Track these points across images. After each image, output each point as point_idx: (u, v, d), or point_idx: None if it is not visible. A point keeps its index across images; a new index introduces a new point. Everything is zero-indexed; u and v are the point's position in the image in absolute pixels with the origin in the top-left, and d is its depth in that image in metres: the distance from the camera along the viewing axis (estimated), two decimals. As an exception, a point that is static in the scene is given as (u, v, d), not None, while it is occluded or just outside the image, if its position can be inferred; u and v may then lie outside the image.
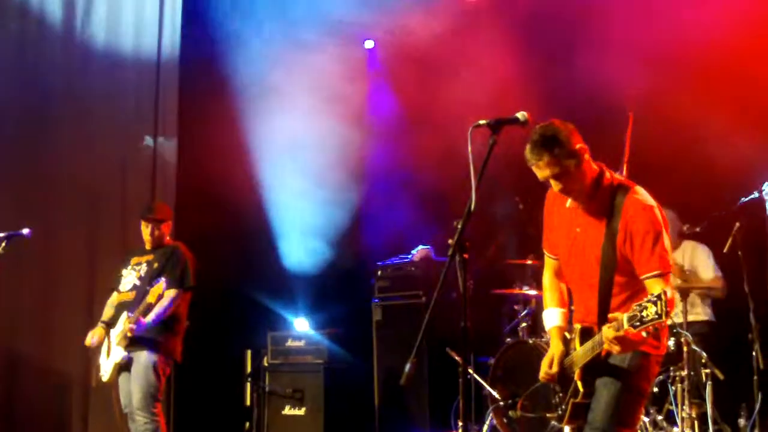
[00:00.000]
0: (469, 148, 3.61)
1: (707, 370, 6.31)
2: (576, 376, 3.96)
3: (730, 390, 6.54)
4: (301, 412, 7.97)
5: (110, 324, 6.55)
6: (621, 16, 7.16)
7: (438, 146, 7.40)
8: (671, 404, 6.37)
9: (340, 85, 8.61)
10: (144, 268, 6.65)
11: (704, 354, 6.35)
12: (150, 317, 6.35)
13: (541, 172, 3.91)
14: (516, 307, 7.49)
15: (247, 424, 8.50)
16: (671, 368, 6.42)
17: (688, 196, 7.11)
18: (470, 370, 6.77)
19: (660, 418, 6.37)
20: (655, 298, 3.51)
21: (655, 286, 3.80)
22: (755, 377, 6.37)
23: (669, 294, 3.71)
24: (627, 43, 6.96)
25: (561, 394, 4.10)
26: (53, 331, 8.27)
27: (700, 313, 7.08)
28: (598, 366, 3.91)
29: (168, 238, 6.82)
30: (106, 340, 6.52)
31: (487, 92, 7.42)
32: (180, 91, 8.65)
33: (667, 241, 3.89)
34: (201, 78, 8.56)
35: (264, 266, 8.83)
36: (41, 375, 8.22)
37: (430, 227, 8.11)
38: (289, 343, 8.29)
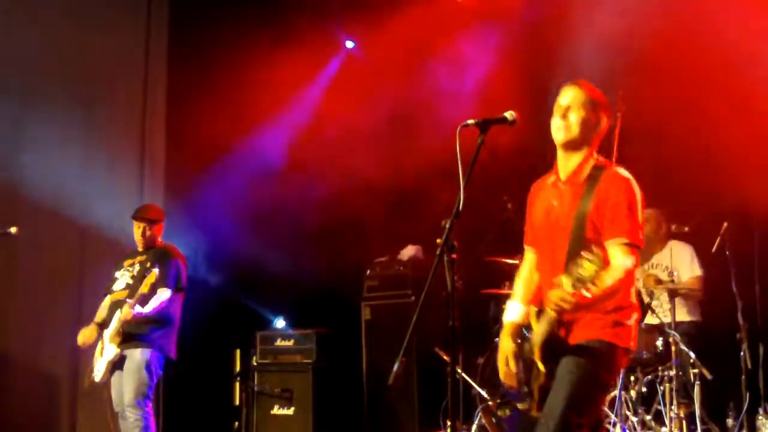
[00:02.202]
0: (458, 148, 3.61)
1: (695, 370, 6.33)
2: (536, 357, 3.80)
3: (718, 390, 6.56)
4: (290, 411, 7.97)
5: (103, 325, 6.57)
6: (609, 13, 7.16)
7: (427, 145, 7.39)
8: (660, 404, 6.38)
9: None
10: (137, 267, 6.70)
11: (692, 354, 6.37)
12: (146, 308, 6.38)
13: (563, 97, 3.95)
14: (504, 306, 7.47)
15: (236, 423, 8.50)
16: (660, 368, 6.44)
17: (677, 195, 7.12)
18: (459, 370, 6.78)
19: (648, 417, 6.37)
20: (591, 256, 3.40)
21: (617, 255, 3.72)
22: (743, 377, 6.40)
23: (629, 264, 3.67)
24: (614, 41, 6.96)
25: (527, 382, 3.94)
26: (42, 332, 8.25)
27: (688, 313, 7.09)
28: (558, 348, 3.77)
29: (159, 239, 6.86)
30: (99, 341, 6.55)
31: (475, 92, 7.43)
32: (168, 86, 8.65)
33: (640, 215, 3.82)
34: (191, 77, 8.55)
35: (252, 266, 8.80)
36: (30, 375, 8.19)
37: (419, 226, 8.08)
38: (278, 342, 8.28)
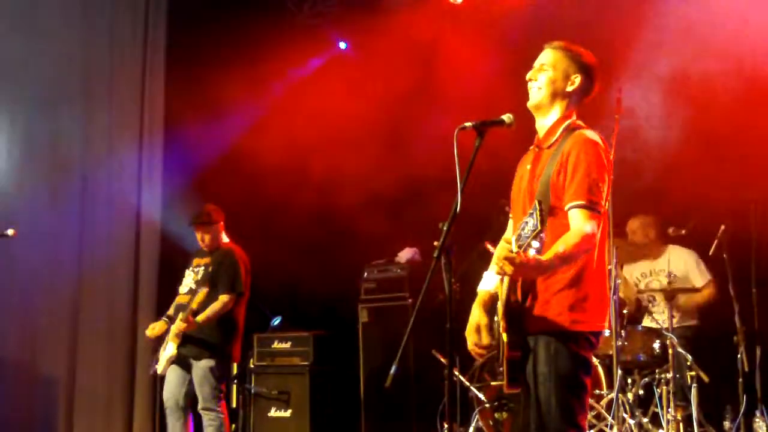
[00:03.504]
0: (455, 150, 3.59)
1: (692, 373, 6.34)
2: (501, 329, 3.58)
3: (715, 392, 6.57)
4: (287, 414, 7.97)
5: (172, 319, 6.80)
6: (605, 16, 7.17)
7: (425, 147, 7.39)
8: (657, 407, 6.39)
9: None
10: (201, 270, 6.92)
11: (689, 356, 6.37)
12: (200, 318, 6.62)
13: (537, 59, 3.84)
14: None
15: (233, 426, 8.47)
16: (657, 371, 6.44)
17: (675, 197, 7.12)
18: (456, 372, 6.78)
19: (645, 420, 6.37)
20: (531, 211, 3.24)
21: (575, 219, 3.53)
22: (740, 379, 6.40)
23: (588, 229, 3.46)
24: (614, 41, 6.97)
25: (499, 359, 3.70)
26: (40, 334, 8.24)
27: (686, 316, 7.08)
28: (517, 317, 3.55)
29: (224, 238, 7.05)
30: (166, 335, 6.79)
31: (471, 94, 7.42)
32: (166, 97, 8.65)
33: (603, 182, 3.61)
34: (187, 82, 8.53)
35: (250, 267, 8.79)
36: (27, 377, 8.19)
37: (416, 229, 8.08)
38: (276, 344, 8.28)
